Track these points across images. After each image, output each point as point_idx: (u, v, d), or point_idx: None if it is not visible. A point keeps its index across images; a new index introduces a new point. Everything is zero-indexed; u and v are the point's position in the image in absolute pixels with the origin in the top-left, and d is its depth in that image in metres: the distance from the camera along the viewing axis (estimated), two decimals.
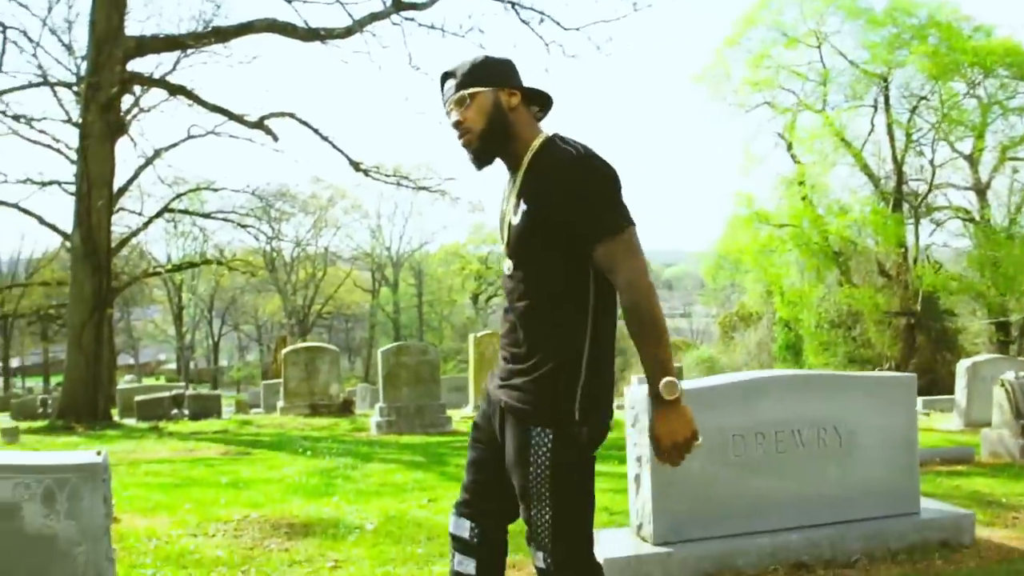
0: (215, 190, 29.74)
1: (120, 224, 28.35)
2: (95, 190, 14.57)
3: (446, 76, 2.44)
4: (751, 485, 3.96)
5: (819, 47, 27.89)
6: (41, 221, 26.25)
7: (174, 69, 18.21)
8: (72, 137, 26.05)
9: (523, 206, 2.33)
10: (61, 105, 24.55)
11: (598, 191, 2.27)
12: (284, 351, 16.55)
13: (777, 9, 28.29)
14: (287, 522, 5.30)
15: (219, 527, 5.17)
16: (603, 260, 2.25)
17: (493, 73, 2.41)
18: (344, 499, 6.12)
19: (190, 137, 22.94)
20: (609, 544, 3.89)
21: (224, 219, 30.50)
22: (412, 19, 13.93)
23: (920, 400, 19.31)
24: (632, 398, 3.97)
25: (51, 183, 26.25)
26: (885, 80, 27.38)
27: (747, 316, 40.92)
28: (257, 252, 42.78)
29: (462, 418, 13.64)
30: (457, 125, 2.40)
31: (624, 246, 2.25)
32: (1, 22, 18.96)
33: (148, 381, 39.44)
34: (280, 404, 15.42)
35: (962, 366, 10.72)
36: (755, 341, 38.27)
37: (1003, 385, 7.19)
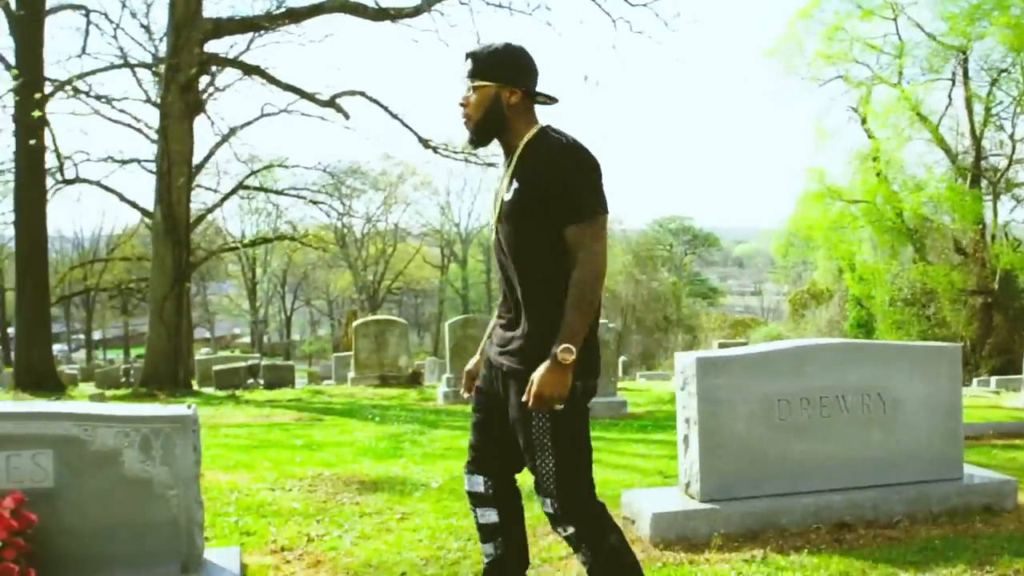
0: (288, 167, 30.34)
1: (197, 201, 29.30)
2: (175, 168, 15.15)
3: (468, 55, 2.70)
4: (796, 448, 4.13)
5: (895, 19, 27.24)
6: (121, 198, 27.26)
7: (248, 49, 18.77)
8: (151, 116, 27.00)
9: (515, 184, 2.60)
10: (140, 85, 25.45)
11: (582, 177, 2.56)
12: (355, 324, 17.02)
13: None
14: (358, 479, 5.64)
15: (295, 483, 5.53)
16: (572, 238, 2.54)
17: (503, 69, 2.66)
18: (411, 460, 6.44)
19: (263, 115, 23.59)
20: (659, 500, 4.12)
21: (296, 196, 31.16)
22: None
23: (993, 380, 18.98)
24: (682, 364, 4.16)
25: (131, 161, 27.26)
26: (964, 52, 26.66)
27: (818, 294, 40.40)
28: (328, 228, 43.51)
29: None
30: (461, 105, 2.70)
31: (592, 231, 2.54)
32: (84, 5, 19.77)
33: (223, 353, 40.66)
34: (351, 375, 15.93)
35: None
36: (826, 319, 37.77)
37: None
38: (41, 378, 16.08)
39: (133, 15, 23.86)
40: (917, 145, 27.81)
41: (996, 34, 24.87)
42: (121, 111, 23.81)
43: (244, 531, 4.42)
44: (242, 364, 16.79)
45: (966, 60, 26.86)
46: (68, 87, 18.81)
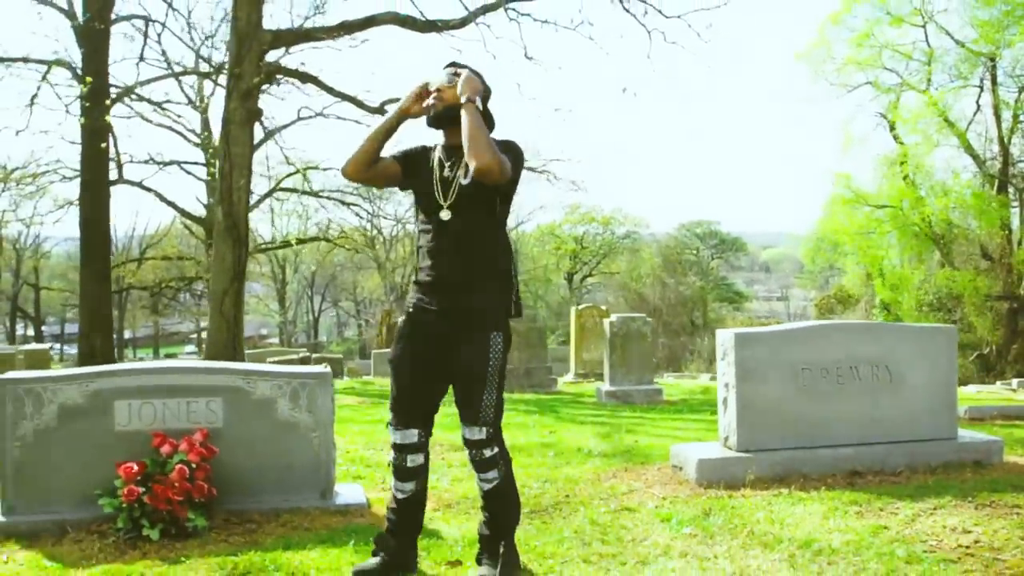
0: (323, 170, 30.97)
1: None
2: (236, 170, 16.13)
3: (453, 63, 3.47)
4: (816, 409, 4.98)
5: (924, 26, 27.70)
6: (161, 198, 28.41)
7: (286, 54, 19.66)
8: (191, 120, 28.16)
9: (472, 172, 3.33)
10: (183, 91, 26.58)
11: (519, 169, 3.40)
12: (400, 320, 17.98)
13: None
14: (436, 442, 6.54)
15: (384, 444, 6.45)
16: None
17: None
18: None
19: (299, 119, 24.60)
20: (702, 451, 4.99)
21: (328, 198, 31.90)
22: (528, 14, 14.98)
23: (1015, 381, 19.56)
24: (722, 338, 5.02)
25: (171, 163, 28.47)
26: (992, 59, 27.05)
27: (845, 299, 40.83)
28: (357, 230, 44.27)
29: (565, 383, 14.78)
30: (436, 91, 3.37)
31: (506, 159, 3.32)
32: (147, 16, 20.90)
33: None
34: None
35: None
36: None
37: None
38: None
39: (189, 25, 24.81)
40: (945, 151, 28.24)
41: None
42: (168, 115, 24.98)
43: (355, 476, 5.33)
44: (295, 356, 17.79)
45: (995, 67, 27.26)
46: (132, 94, 19.89)
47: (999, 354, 28.04)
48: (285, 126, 24.53)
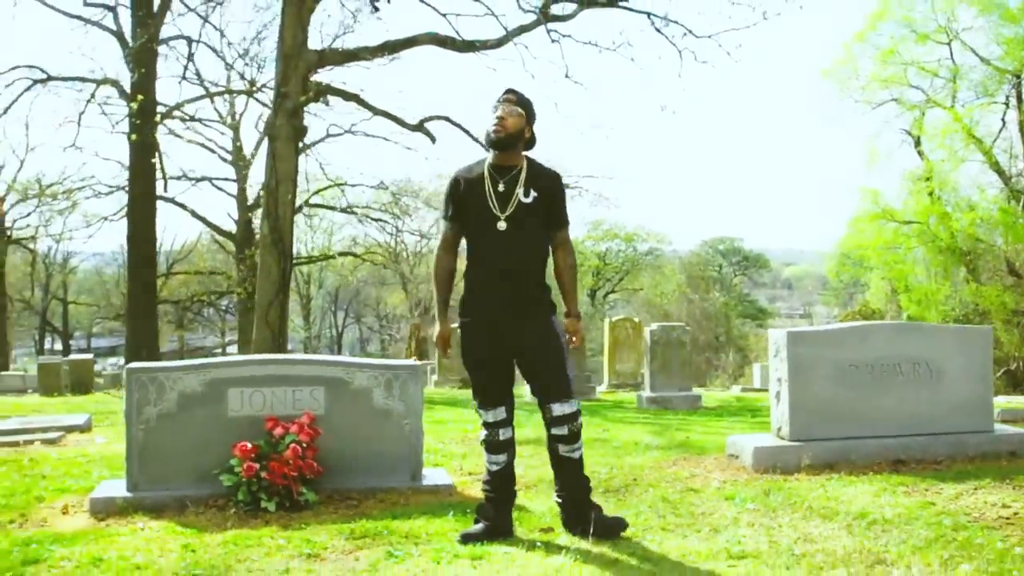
0: (352, 186, 31.22)
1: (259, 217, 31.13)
2: (281, 185, 16.74)
3: (511, 91, 4.03)
4: (862, 403, 5.39)
5: (949, 43, 27.93)
6: (194, 215, 29.10)
7: (316, 71, 20.25)
8: (222, 138, 28.90)
9: (533, 192, 3.92)
10: (215, 107, 27.24)
11: (564, 195, 4.06)
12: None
13: (907, 5, 28.48)
14: None
15: (449, 439, 6.94)
16: (561, 235, 4.05)
17: (531, 112, 4.02)
18: (522, 426, 7.78)
19: (328, 136, 25.21)
20: (757, 440, 5.43)
21: (364, 215, 32.31)
22: (569, 35, 15.52)
23: None
24: (775, 337, 5.46)
25: (203, 179, 29.19)
26: (1018, 77, 27.25)
27: (869, 314, 40.88)
28: (381, 246, 44.50)
29: (600, 392, 15.19)
30: (500, 117, 3.92)
31: (568, 233, 4.10)
32: (189, 36, 21.63)
33: None
34: (434, 378, 17.44)
35: None
36: None
37: None
38: None
39: (229, 44, 25.57)
40: (971, 167, 28.38)
41: None
42: (198, 132, 25.72)
43: (434, 464, 5.78)
44: None
45: (1020, 84, 27.47)
46: (179, 111, 20.57)
47: None
48: (316, 142, 25.12)
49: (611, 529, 3.87)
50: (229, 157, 29.83)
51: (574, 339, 3.99)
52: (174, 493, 4.71)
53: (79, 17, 20.15)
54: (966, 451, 5.41)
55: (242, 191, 30.53)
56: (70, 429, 7.80)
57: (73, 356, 23.42)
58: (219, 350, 52.43)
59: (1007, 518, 4.00)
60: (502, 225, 3.88)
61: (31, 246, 35.32)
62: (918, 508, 4.22)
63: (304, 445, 4.60)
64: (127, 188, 20.73)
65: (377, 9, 16.75)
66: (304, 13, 16.12)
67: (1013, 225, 26.49)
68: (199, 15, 19.71)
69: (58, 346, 44.55)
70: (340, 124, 24.16)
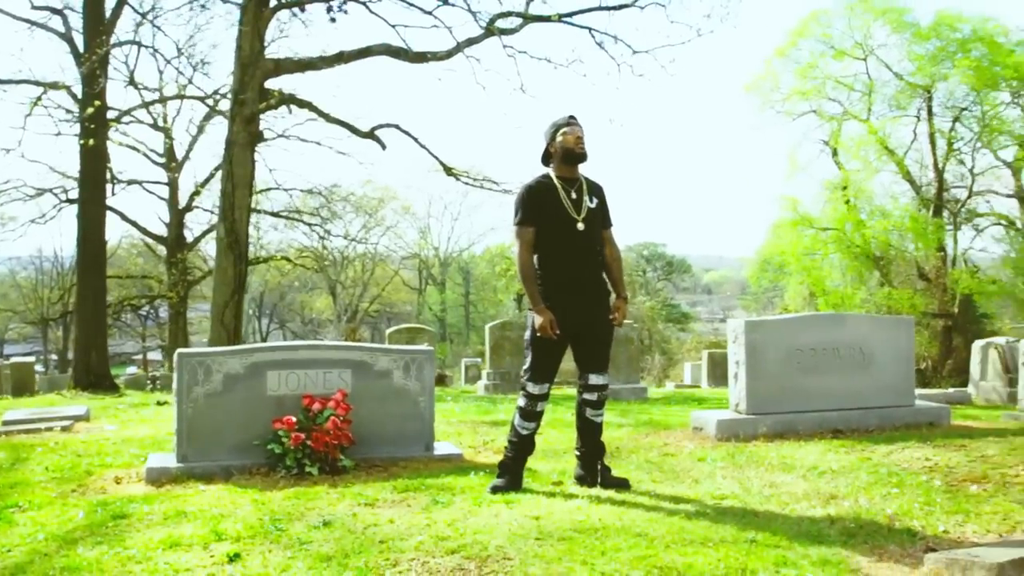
0: (287, 190, 30.90)
1: (194, 223, 31.27)
2: (238, 190, 17.19)
3: (574, 117, 4.84)
4: (807, 381, 6.33)
5: (865, 59, 29.43)
6: (123, 218, 29.04)
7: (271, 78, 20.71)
8: (153, 142, 28.98)
9: (595, 199, 4.76)
10: (149, 112, 27.15)
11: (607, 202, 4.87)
12: (388, 331, 19.09)
13: (826, 22, 29.98)
14: (482, 421, 7.75)
15: (444, 423, 7.64)
16: (610, 233, 4.86)
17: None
18: (507, 413, 8.55)
19: (262, 140, 25.41)
20: (718, 415, 6.32)
21: (288, 218, 32.42)
22: (524, 52, 16.40)
23: (951, 390, 21.30)
24: (733, 325, 6.35)
25: (133, 182, 29.13)
26: (929, 91, 28.85)
27: None
28: (307, 250, 43.84)
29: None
30: (580, 138, 4.74)
31: (613, 232, 4.90)
32: (139, 41, 21.84)
33: None
34: None
35: (976, 346, 12.83)
36: None
37: (996, 348, 9.45)
38: (98, 379, 18.15)
39: (179, 52, 25.66)
40: (884, 176, 29.85)
41: (959, 75, 27.06)
42: (129, 135, 25.83)
43: (440, 438, 6.51)
44: None
45: (931, 98, 29.00)
46: (128, 115, 20.75)
47: (935, 369, 29.75)
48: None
49: (617, 484, 4.67)
50: (161, 160, 29.73)
51: (618, 317, 4.70)
52: (220, 463, 5.35)
53: (27, 20, 20.19)
54: (893, 422, 6.39)
55: (174, 194, 30.57)
56: (77, 419, 8.30)
57: (17, 359, 23.34)
58: (139, 356, 51.49)
59: (930, 467, 4.95)
60: (581, 226, 4.63)
61: None
62: (859, 462, 5.14)
63: (340, 418, 5.30)
64: (77, 191, 20.82)
65: (334, 20, 17.29)
66: (262, 23, 16.65)
67: (924, 232, 28.10)
68: (150, 21, 19.93)
69: None
70: (273, 129, 24.42)
